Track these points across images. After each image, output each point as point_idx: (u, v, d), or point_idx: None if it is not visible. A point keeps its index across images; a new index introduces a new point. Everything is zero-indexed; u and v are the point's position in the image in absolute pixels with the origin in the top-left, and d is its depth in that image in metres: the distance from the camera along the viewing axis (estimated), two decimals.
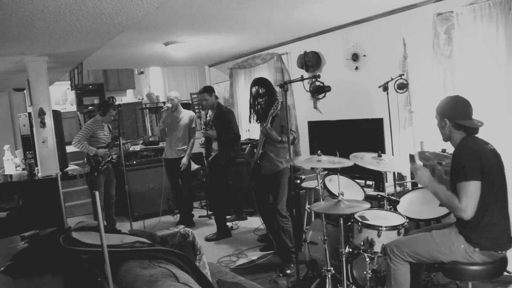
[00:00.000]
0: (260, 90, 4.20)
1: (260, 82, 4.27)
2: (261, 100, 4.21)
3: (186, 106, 7.02)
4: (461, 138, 2.67)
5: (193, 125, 5.98)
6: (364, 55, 5.17)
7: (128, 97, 10.43)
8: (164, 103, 7.92)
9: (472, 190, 2.51)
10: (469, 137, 2.67)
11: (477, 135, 2.69)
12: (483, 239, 2.58)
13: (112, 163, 5.75)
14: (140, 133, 9.34)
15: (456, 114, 2.67)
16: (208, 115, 5.47)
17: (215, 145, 5.57)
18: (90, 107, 9.88)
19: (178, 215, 6.33)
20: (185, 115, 5.94)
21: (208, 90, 5.41)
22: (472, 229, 2.59)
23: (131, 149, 6.49)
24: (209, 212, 6.50)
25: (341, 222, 3.10)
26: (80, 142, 5.43)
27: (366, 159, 3.32)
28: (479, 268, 2.62)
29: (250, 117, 4.39)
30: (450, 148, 3.80)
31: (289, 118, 3.59)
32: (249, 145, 6.09)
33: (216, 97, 5.50)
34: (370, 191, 4.19)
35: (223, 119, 5.31)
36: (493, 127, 3.66)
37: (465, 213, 2.51)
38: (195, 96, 9.01)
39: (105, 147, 5.61)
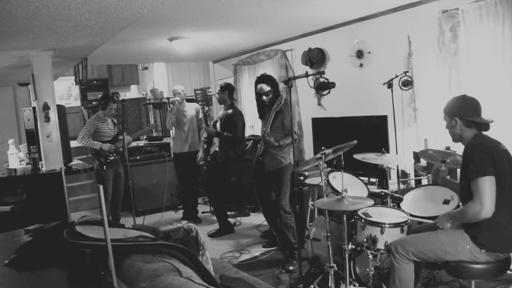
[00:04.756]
0: (266, 88, 4.19)
1: (266, 79, 4.25)
2: (265, 98, 4.20)
3: (190, 101, 7.00)
4: (472, 136, 2.62)
5: (201, 116, 6.00)
6: (369, 52, 5.15)
7: (132, 93, 10.45)
8: (168, 99, 7.91)
9: (486, 185, 2.43)
10: (480, 135, 2.62)
11: (488, 135, 2.64)
12: (490, 241, 2.55)
13: (120, 157, 5.74)
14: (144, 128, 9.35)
15: (466, 112, 2.63)
16: (219, 115, 5.50)
17: (216, 140, 5.57)
18: (94, 102, 9.90)
19: (181, 211, 6.33)
20: (190, 107, 5.98)
21: (222, 86, 5.46)
22: (479, 229, 2.55)
23: (134, 144, 6.49)
24: (212, 208, 6.50)
25: (344, 218, 3.10)
26: (84, 138, 5.47)
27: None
28: (483, 266, 2.61)
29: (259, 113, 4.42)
30: (453, 146, 3.79)
31: (292, 116, 3.57)
32: (252, 141, 6.08)
33: (231, 97, 5.43)
34: (374, 188, 4.18)
35: (229, 120, 5.33)
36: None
37: (483, 210, 2.42)
38: (199, 92, 9.02)
39: (110, 141, 5.62)
